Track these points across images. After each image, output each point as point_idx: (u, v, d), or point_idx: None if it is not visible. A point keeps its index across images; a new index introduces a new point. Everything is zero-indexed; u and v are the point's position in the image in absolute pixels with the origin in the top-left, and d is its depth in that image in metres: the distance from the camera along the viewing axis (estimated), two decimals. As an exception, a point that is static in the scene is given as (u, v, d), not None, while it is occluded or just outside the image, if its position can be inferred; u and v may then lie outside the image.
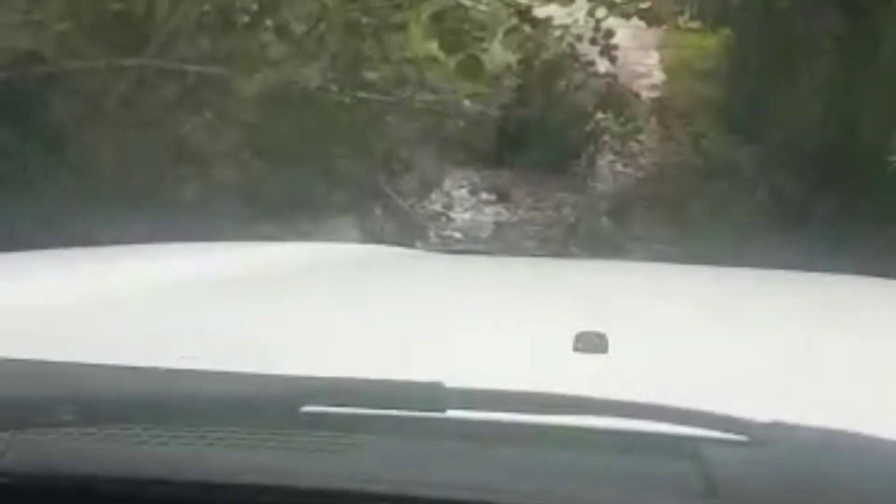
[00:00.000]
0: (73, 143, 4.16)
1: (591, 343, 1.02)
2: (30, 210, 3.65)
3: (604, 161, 6.73)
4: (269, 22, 4.50)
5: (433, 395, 0.71)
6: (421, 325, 1.12)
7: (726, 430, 0.70)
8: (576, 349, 1.01)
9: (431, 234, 5.40)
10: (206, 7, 4.41)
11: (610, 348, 1.01)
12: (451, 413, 0.71)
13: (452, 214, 5.86)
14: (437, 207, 5.86)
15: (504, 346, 1.03)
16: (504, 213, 6.11)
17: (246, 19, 4.50)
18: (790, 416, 0.71)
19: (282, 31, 4.46)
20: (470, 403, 0.72)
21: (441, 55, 4.81)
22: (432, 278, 1.49)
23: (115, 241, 2.45)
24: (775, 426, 0.69)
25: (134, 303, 1.13)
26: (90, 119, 4.23)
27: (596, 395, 0.74)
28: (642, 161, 6.83)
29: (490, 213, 6.07)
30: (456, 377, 0.74)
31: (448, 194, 6.06)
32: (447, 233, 5.58)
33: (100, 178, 4.10)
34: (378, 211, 5.05)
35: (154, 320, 1.08)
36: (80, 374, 0.74)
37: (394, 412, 0.71)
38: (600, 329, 1.03)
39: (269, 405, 0.71)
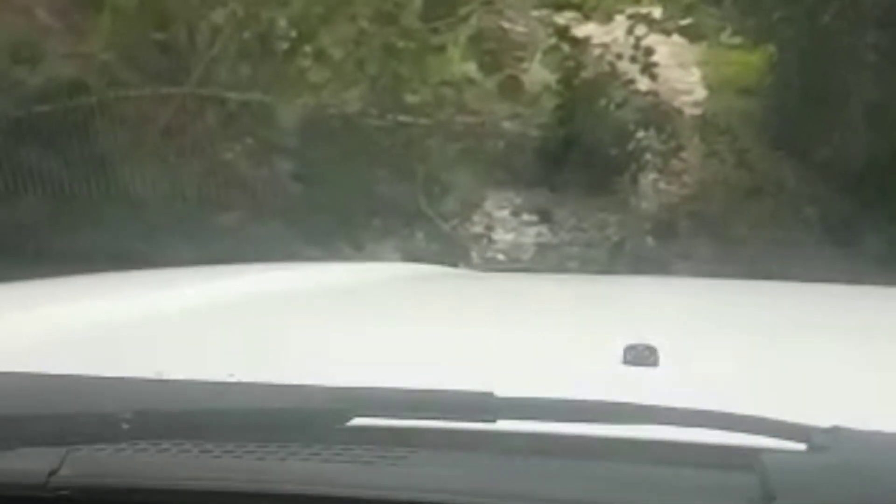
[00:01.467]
0: (117, 170, 4.21)
1: (641, 356, 1.00)
2: (77, 236, 3.70)
3: (647, 179, 6.68)
4: (307, 48, 4.54)
5: (484, 404, 0.69)
6: (469, 340, 1.11)
7: (786, 437, 0.68)
8: (626, 362, 0.99)
9: (474, 255, 5.39)
10: (246, 35, 4.46)
11: (660, 361, 0.99)
12: (503, 423, 0.70)
13: (494, 236, 5.85)
14: (479, 229, 5.85)
15: (553, 360, 1.02)
16: (546, 234, 6.09)
17: (285, 46, 4.54)
18: (849, 423, 0.69)
19: (320, 57, 4.49)
20: (521, 413, 0.70)
21: (480, 76, 4.82)
22: (478, 295, 1.48)
23: (160, 267, 2.47)
24: (835, 431, 0.67)
25: (187, 321, 1.14)
26: (134, 147, 4.29)
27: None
28: (686, 179, 6.77)
29: (532, 234, 6.05)
30: (505, 389, 0.73)
31: (489, 215, 6.05)
32: (489, 254, 5.57)
33: (144, 204, 4.14)
34: (420, 233, 5.05)
35: (207, 337, 1.09)
36: (133, 390, 0.74)
37: (445, 422, 0.70)
38: (650, 342, 1.01)
39: (320, 417, 0.71)
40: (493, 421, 0.70)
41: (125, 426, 0.70)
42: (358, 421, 0.71)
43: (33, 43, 3.97)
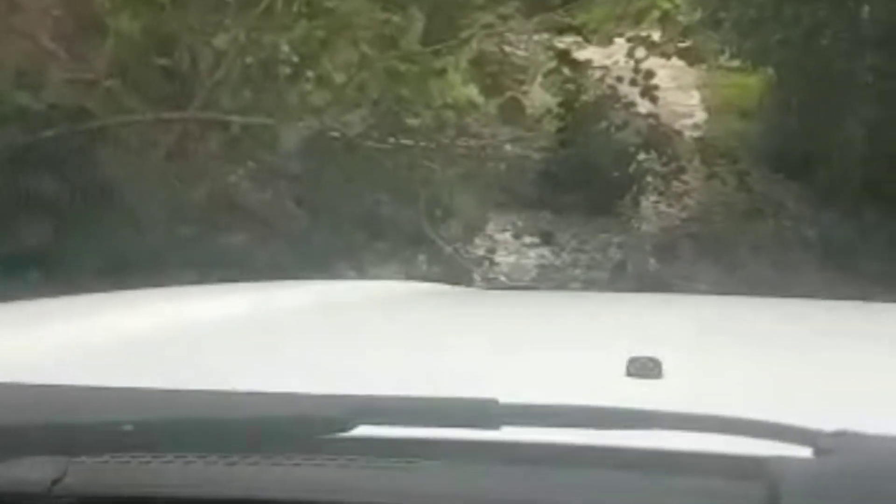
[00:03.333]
0: (121, 194, 4.22)
1: (644, 368, 1.00)
2: (81, 259, 3.71)
3: (648, 201, 6.70)
4: (309, 72, 4.56)
5: (487, 411, 0.69)
6: (471, 353, 1.12)
7: (792, 441, 0.68)
8: (629, 374, 0.99)
9: (476, 277, 5.39)
10: (249, 60, 4.49)
11: (664, 373, 0.99)
12: (507, 431, 0.70)
13: (496, 258, 5.85)
14: (481, 252, 5.85)
15: (556, 372, 1.02)
16: (548, 256, 6.10)
17: (287, 70, 4.57)
18: (854, 427, 0.69)
19: (322, 80, 4.52)
20: (525, 419, 0.71)
21: (481, 100, 4.84)
22: (480, 310, 1.49)
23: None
24: (841, 436, 0.67)
25: (190, 337, 1.15)
26: (138, 171, 4.30)
27: None
28: (687, 201, 6.79)
29: (534, 256, 6.05)
30: (508, 399, 0.73)
31: (491, 238, 6.06)
32: (492, 276, 5.57)
33: (148, 228, 4.15)
34: (422, 256, 5.05)
35: (208, 352, 1.09)
36: (135, 400, 0.75)
37: (448, 430, 0.70)
38: (653, 355, 1.01)
39: (322, 425, 0.71)
40: (498, 428, 0.70)
41: (127, 436, 0.70)
42: (360, 429, 0.71)
43: (38, 69, 3.99)
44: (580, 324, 1.33)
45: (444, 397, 0.72)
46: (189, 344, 1.12)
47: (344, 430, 0.70)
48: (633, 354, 1.01)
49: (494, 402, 0.70)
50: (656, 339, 1.17)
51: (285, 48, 4.54)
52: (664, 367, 1.00)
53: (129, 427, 0.70)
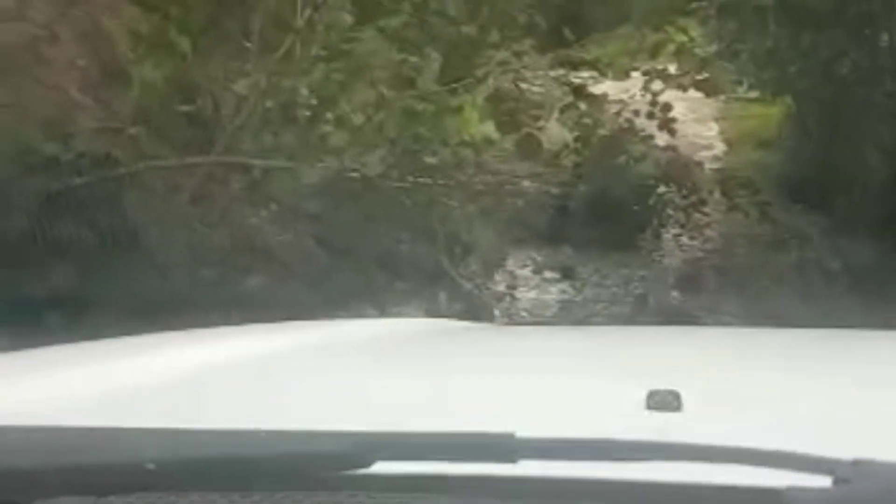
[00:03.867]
0: (146, 238, 4.27)
1: (664, 401, 1.00)
2: (109, 302, 3.74)
3: (669, 234, 6.68)
4: (328, 114, 4.61)
5: (505, 445, 0.69)
6: (489, 387, 1.12)
7: (810, 471, 0.68)
8: (649, 407, 0.99)
9: (497, 313, 5.39)
10: (269, 104, 4.55)
11: (683, 406, 0.99)
12: (524, 465, 0.70)
13: (517, 294, 5.85)
14: (502, 287, 5.85)
15: (574, 405, 1.02)
16: (569, 291, 6.08)
17: (307, 113, 4.62)
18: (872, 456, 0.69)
19: (341, 122, 4.56)
20: (543, 453, 0.71)
21: (498, 136, 4.87)
22: (499, 345, 1.49)
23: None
24: (859, 464, 0.67)
25: (216, 377, 1.15)
26: (162, 215, 4.35)
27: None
28: (708, 233, 6.76)
29: (555, 292, 6.04)
30: (526, 433, 0.73)
31: (512, 274, 6.06)
32: (513, 312, 5.56)
33: (172, 270, 4.19)
34: (442, 293, 5.06)
35: (231, 391, 1.10)
36: (160, 439, 0.76)
37: (464, 465, 0.70)
38: (673, 388, 1.01)
39: (342, 462, 0.71)
40: (515, 462, 0.69)
41: (152, 475, 0.71)
42: (379, 465, 0.71)
43: (66, 118, 4.06)
44: (598, 357, 1.32)
45: (461, 432, 0.72)
46: (212, 384, 1.13)
47: (364, 466, 0.70)
48: (653, 387, 1.01)
49: (511, 436, 0.70)
50: (675, 371, 1.17)
51: (304, 91, 4.60)
52: (684, 399, 1.00)
53: (152, 466, 0.71)
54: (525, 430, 0.74)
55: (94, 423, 0.79)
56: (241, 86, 4.40)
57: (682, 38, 5.59)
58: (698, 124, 7.60)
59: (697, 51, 5.85)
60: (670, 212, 6.59)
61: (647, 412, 0.97)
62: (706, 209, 6.58)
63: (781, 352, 1.41)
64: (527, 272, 6.15)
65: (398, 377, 1.18)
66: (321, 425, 0.75)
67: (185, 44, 4.39)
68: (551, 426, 0.88)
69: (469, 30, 4.62)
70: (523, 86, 4.73)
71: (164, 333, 1.46)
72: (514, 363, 1.30)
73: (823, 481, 0.67)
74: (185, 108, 4.45)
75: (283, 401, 1.04)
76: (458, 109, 4.76)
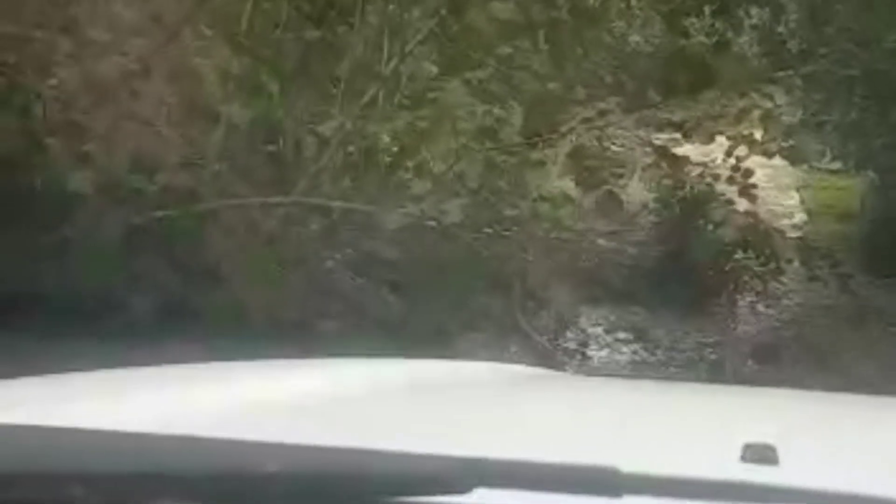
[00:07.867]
0: (223, 277, 4.33)
1: (760, 454, 0.97)
2: (184, 338, 3.78)
3: (744, 301, 6.56)
4: (409, 161, 4.65)
5: (609, 479, 0.68)
6: (585, 432, 1.10)
7: None
8: (744, 460, 0.96)
9: (569, 370, 5.33)
10: (351, 148, 4.61)
11: (780, 460, 0.96)
12: (628, 499, 0.68)
13: (588, 352, 5.79)
14: (573, 345, 5.80)
15: (669, 458, 0.99)
16: (641, 353, 6.00)
17: (388, 159, 4.67)
18: None
19: (422, 169, 4.60)
20: (648, 489, 0.69)
21: (577, 192, 4.86)
22: (586, 394, 1.47)
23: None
24: None
25: (311, 408, 1.16)
26: (239, 254, 4.41)
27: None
28: (786, 302, 6.63)
29: (627, 352, 5.96)
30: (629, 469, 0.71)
31: (584, 332, 6.00)
32: (584, 371, 5.50)
33: (246, 310, 4.23)
34: (514, 346, 5.03)
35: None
36: (273, 453, 0.75)
37: (567, 496, 0.69)
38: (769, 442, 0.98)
39: (446, 485, 0.70)
40: (619, 496, 0.68)
41: (265, 486, 0.71)
42: (479, 493, 0.70)
43: (152, 153, 4.16)
44: (692, 411, 1.30)
45: (565, 464, 0.70)
46: (309, 414, 1.13)
47: (467, 490, 0.69)
48: (748, 441, 0.98)
49: (615, 470, 0.69)
50: (770, 428, 1.14)
51: (386, 138, 4.66)
52: (780, 453, 0.97)
53: (267, 474, 0.71)
54: (626, 467, 0.72)
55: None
56: (325, 128, 4.47)
57: (768, 104, 5.54)
58: (779, 192, 7.49)
59: (784, 118, 5.79)
60: (746, 278, 6.49)
61: (742, 464, 0.95)
62: (784, 278, 6.46)
63: (877, 415, 1.37)
64: (599, 330, 6.09)
65: (490, 416, 1.17)
66: (431, 450, 0.75)
67: (273, 86, 4.48)
68: (649, 467, 0.86)
69: (554, 86, 4.65)
70: (606, 144, 4.73)
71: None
72: (606, 412, 1.28)
73: None
74: (268, 148, 4.53)
75: (398, 427, 1.04)
76: (539, 164, 4.77)
